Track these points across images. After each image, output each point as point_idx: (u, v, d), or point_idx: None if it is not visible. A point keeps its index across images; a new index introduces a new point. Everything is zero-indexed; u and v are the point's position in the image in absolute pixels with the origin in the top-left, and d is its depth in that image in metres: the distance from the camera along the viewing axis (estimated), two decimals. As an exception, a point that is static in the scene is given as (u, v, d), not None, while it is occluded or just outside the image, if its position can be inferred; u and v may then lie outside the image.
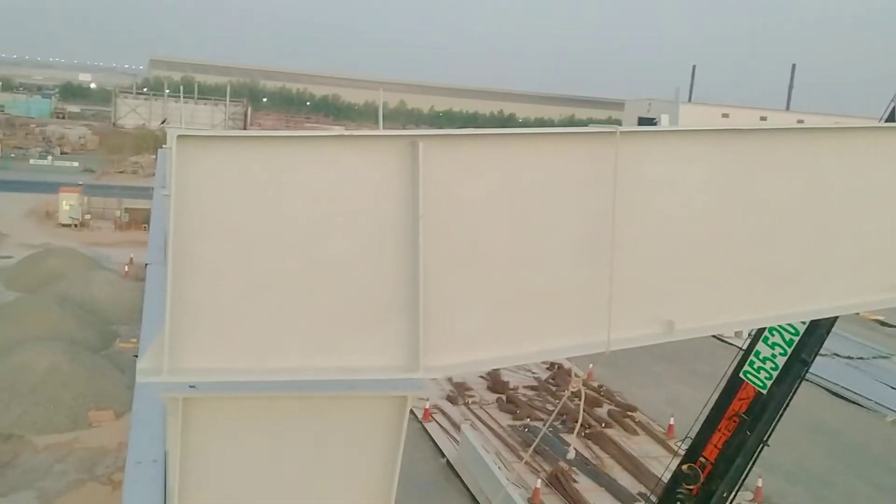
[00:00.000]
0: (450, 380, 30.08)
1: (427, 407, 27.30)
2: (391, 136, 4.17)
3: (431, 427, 26.60)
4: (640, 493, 22.72)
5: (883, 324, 45.23)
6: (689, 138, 4.87)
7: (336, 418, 4.19)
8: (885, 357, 39.71)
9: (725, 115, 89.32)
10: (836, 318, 9.85)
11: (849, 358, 38.18)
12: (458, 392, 29.72)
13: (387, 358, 4.11)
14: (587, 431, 26.82)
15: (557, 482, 23.01)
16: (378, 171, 4.09)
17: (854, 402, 32.96)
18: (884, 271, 5.40)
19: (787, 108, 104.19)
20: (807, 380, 11.83)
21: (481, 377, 30.94)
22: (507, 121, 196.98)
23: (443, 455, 24.77)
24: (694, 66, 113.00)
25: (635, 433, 27.76)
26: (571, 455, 25.16)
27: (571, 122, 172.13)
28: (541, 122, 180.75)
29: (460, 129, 4.52)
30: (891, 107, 9.86)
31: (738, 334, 24.25)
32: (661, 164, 4.71)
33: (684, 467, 12.12)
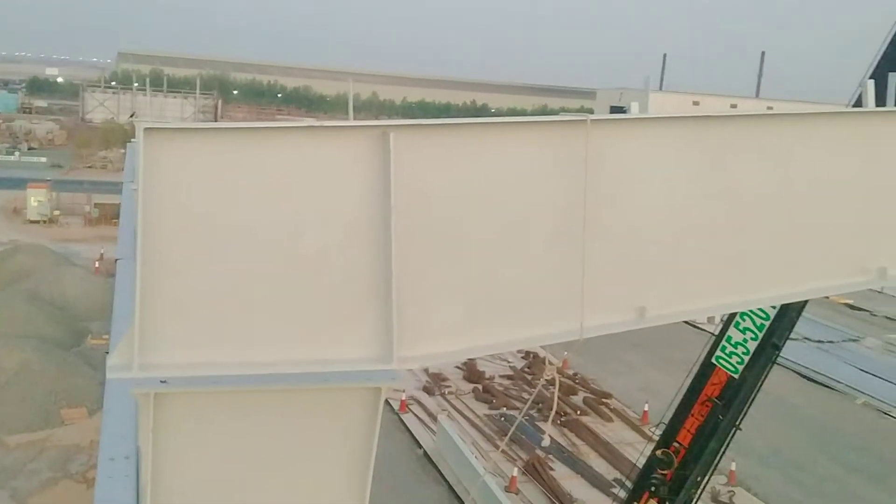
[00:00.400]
0: (426, 371, 30.11)
1: (403, 398, 27.31)
2: (362, 126, 4.15)
3: (408, 418, 26.62)
4: (615, 480, 22.91)
5: (852, 307, 45.89)
6: (659, 126, 4.89)
7: (310, 411, 4.17)
8: (854, 340, 40.30)
9: (696, 103, 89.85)
10: (806, 302, 9.96)
11: (819, 342, 38.69)
12: (435, 383, 29.76)
13: (361, 350, 4.09)
14: (563, 419, 26.98)
15: (534, 470, 23.14)
16: (350, 162, 4.07)
17: (825, 386, 33.43)
18: (853, 255, 5.46)
19: (757, 96, 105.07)
20: (778, 364, 11.96)
21: (457, 367, 31.00)
22: (480, 111, 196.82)
23: (420, 446, 24.80)
24: (665, 55, 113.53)
25: (610, 420, 27.97)
26: (547, 443, 25.30)
27: (544, 111, 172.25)
28: (514, 112, 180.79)
29: (432, 118, 4.50)
30: (858, 91, 9.97)
31: (710, 320, 24.47)
32: (632, 151, 4.73)
33: (658, 452, 12.23)
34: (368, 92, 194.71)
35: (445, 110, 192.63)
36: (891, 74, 6.33)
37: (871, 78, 7.27)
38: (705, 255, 4.97)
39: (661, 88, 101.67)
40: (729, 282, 5.10)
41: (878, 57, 10.02)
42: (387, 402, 4.03)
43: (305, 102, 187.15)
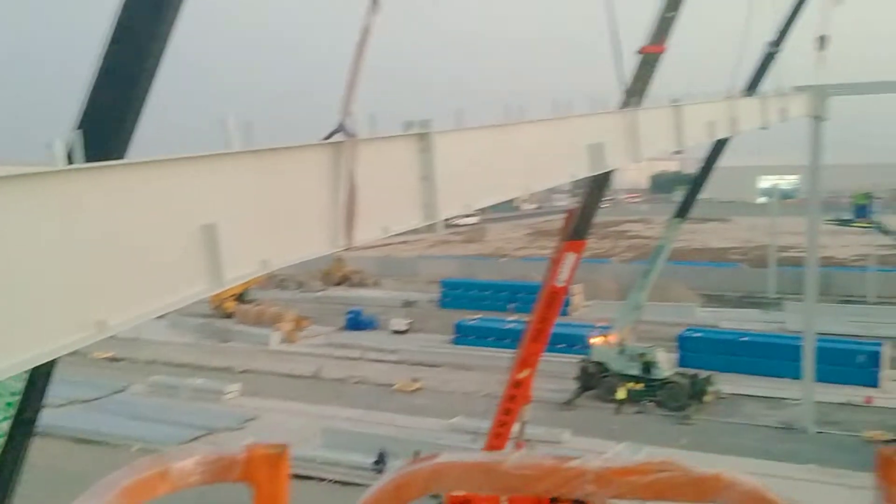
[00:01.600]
0: None
1: None
2: None
3: None
4: None
5: (115, 359, 46.91)
6: None
7: None
8: (121, 391, 41.28)
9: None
10: (53, 368, 9.60)
11: (88, 401, 38.50)
12: None
13: None
14: None
15: None
16: None
17: (100, 443, 33.28)
18: (72, 313, 5.44)
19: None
20: (47, 434, 11.43)
21: None
22: None
23: None
24: None
25: None
26: None
27: None
28: None
29: None
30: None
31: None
32: None
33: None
34: None
35: None
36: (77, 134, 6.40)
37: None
38: None
39: None
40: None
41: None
42: None
43: None
